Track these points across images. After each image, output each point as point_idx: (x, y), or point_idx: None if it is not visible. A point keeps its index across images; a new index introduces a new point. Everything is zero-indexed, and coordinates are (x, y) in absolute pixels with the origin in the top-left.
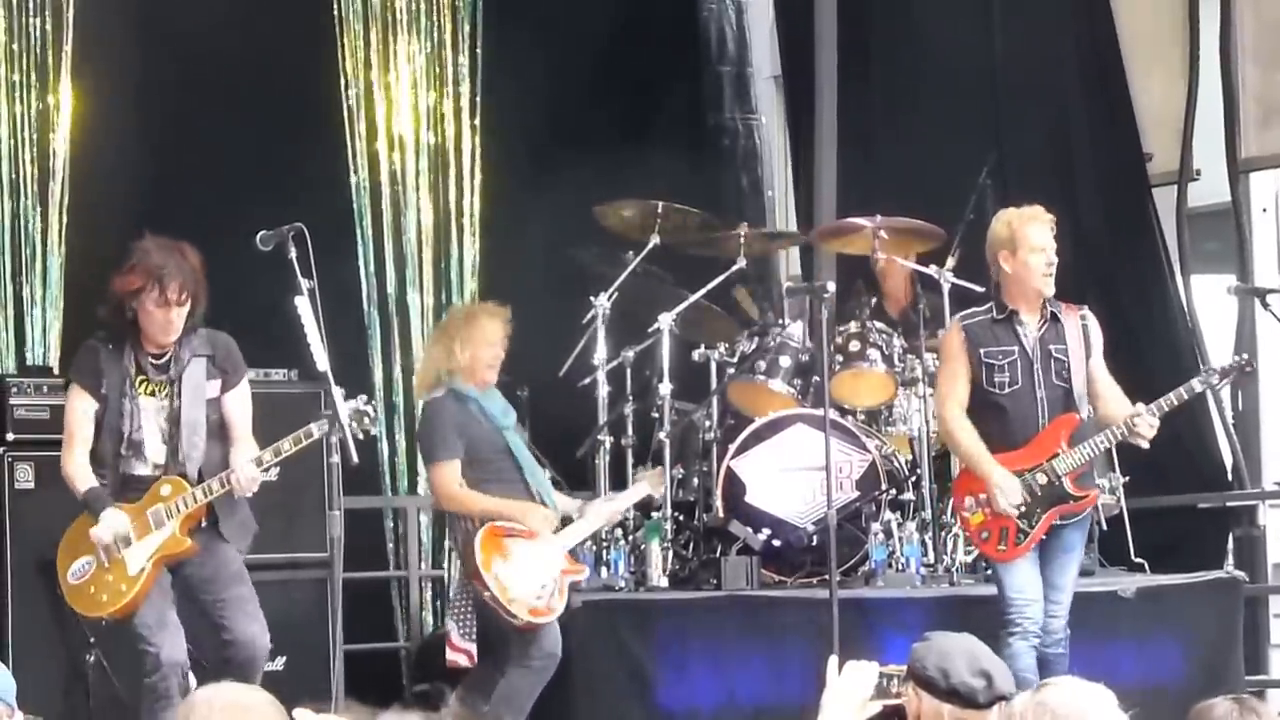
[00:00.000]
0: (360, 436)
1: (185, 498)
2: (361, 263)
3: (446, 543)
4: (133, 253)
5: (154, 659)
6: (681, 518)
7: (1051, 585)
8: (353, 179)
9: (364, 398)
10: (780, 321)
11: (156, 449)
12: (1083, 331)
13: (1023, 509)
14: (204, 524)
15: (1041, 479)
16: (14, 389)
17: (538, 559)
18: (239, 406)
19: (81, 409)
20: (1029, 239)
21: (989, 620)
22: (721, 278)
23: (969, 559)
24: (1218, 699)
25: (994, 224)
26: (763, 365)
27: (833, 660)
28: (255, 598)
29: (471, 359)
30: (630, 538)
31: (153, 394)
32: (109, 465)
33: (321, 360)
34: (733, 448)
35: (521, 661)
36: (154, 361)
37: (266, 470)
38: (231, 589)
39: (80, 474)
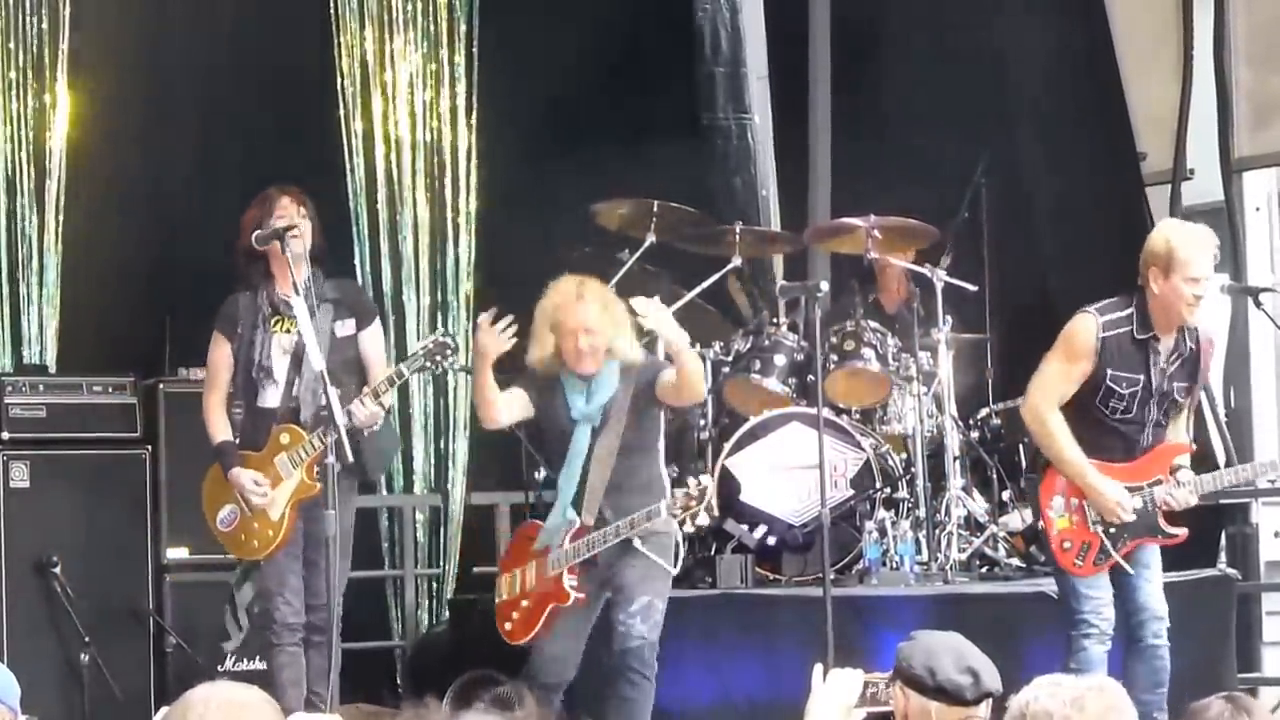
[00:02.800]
0: (439, 370)
1: (304, 446)
2: (358, 262)
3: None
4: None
5: (270, 617)
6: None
7: (1143, 565)
8: (349, 178)
9: (441, 330)
10: (775, 320)
11: (285, 380)
12: (1206, 357)
13: (1112, 530)
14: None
15: (1138, 503)
16: (9, 388)
17: (531, 575)
18: (373, 346)
19: (221, 354)
20: (1187, 267)
21: (983, 618)
22: (717, 276)
23: (963, 557)
24: (1212, 698)
25: (1152, 235)
26: (757, 364)
27: (818, 668)
28: (346, 571)
29: (560, 345)
30: None
31: (287, 331)
32: (242, 396)
33: (317, 360)
34: (727, 446)
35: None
36: (285, 300)
37: (377, 398)
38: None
39: (217, 422)
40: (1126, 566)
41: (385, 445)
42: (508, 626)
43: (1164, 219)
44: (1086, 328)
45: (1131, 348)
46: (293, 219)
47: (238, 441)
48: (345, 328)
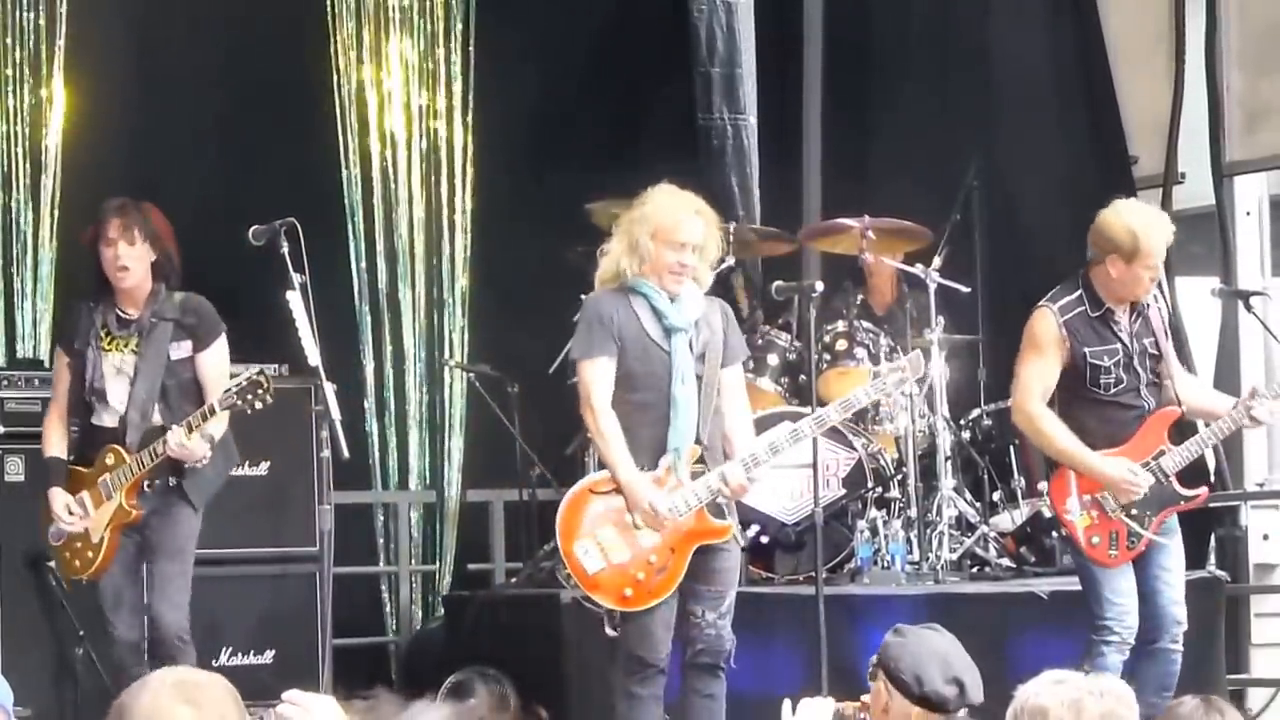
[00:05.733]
0: (248, 411)
1: (124, 470)
2: (353, 258)
3: (437, 538)
4: None
5: (110, 636)
6: None
7: (1163, 568)
8: (345, 175)
9: (258, 368)
10: (786, 321)
11: (119, 401)
12: (1159, 315)
13: (1133, 511)
14: (170, 483)
15: (1149, 478)
16: (4, 382)
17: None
18: (212, 369)
19: (60, 366)
20: (1150, 257)
21: (973, 618)
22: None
23: (954, 557)
24: (1185, 697)
25: (1113, 221)
26: (750, 363)
27: (786, 703)
28: (183, 578)
29: (656, 256)
30: None
31: (118, 350)
32: (79, 414)
33: (313, 355)
34: None
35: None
36: (120, 317)
37: (193, 432)
38: (163, 564)
39: (50, 437)
40: (1160, 539)
41: (210, 474)
42: (628, 593)
43: (1116, 201)
44: (1045, 319)
45: (1095, 323)
46: (116, 250)
47: (72, 458)
48: (180, 350)
